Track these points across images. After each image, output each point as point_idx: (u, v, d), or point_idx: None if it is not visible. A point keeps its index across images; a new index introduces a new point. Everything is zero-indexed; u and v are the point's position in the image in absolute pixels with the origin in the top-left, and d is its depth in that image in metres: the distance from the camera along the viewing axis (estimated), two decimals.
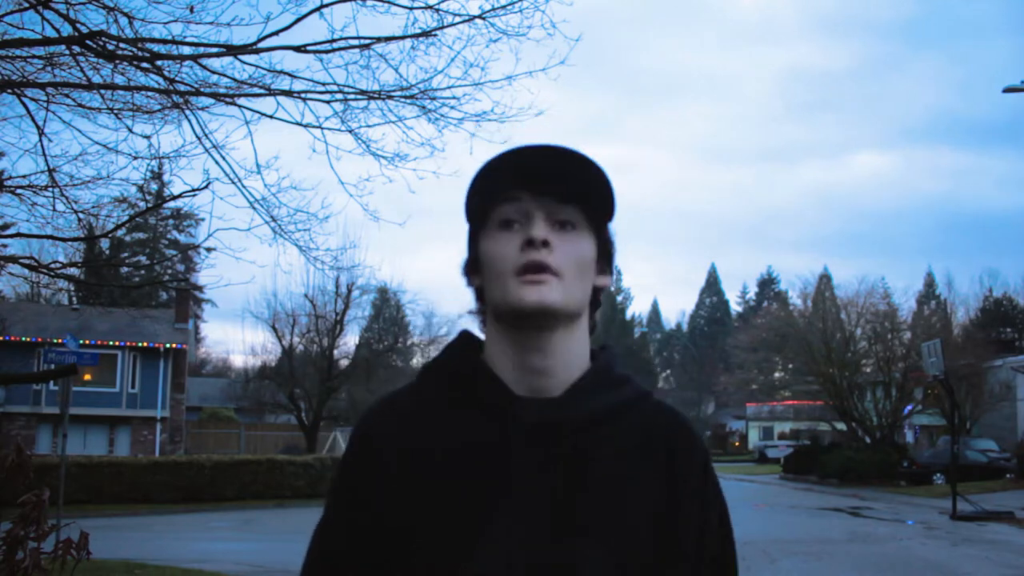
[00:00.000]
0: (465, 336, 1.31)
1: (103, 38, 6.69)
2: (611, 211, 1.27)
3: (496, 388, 1.21)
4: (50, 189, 8.41)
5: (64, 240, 9.37)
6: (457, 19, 7.33)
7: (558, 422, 1.19)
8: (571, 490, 1.17)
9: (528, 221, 1.21)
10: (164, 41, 7.11)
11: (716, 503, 1.28)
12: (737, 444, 65.08)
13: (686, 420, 1.31)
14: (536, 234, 1.19)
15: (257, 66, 7.40)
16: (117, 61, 7.04)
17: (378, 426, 1.24)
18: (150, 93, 7.69)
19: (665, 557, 1.20)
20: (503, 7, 7.32)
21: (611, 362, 1.28)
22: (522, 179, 1.20)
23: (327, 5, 7.07)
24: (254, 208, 8.25)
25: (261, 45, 7.06)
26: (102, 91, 7.46)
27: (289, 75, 7.44)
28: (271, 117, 7.70)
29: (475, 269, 1.28)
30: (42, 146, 7.90)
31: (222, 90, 7.55)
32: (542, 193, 1.21)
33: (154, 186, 36.65)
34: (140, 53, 6.98)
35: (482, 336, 1.30)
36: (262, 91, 7.51)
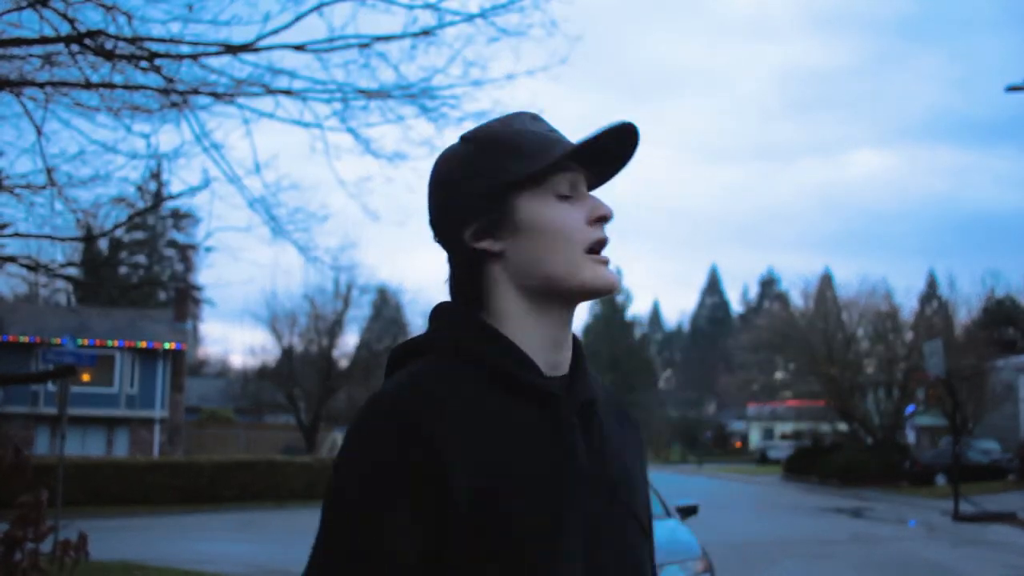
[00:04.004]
0: (466, 314, 1.15)
1: (101, 37, 6.66)
2: None
3: (533, 369, 1.12)
4: (48, 189, 8.37)
5: (62, 240, 9.33)
6: (457, 18, 7.32)
7: (593, 399, 1.16)
8: (611, 465, 1.15)
9: (579, 193, 1.15)
10: (163, 40, 7.09)
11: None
12: (738, 445, 64.98)
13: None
14: (609, 211, 1.15)
15: (256, 65, 7.39)
16: (115, 60, 7.01)
17: (428, 420, 1.03)
18: (149, 92, 7.66)
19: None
20: (503, 6, 7.29)
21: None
22: (590, 157, 1.14)
23: (326, 4, 7.05)
24: (253, 208, 8.24)
25: (260, 44, 7.04)
26: (100, 90, 7.43)
27: (288, 74, 7.43)
28: (270, 116, 7.69)
29: (493, 231, 1.13)
30: (40, 145, 7.86)
31: (221, 89, 7.52)
32: (595, 170, 1.18)
33: (153, 186, 36.67)
34: (139, 52, 6.96)
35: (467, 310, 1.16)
36: (261, 90, 7.49)
